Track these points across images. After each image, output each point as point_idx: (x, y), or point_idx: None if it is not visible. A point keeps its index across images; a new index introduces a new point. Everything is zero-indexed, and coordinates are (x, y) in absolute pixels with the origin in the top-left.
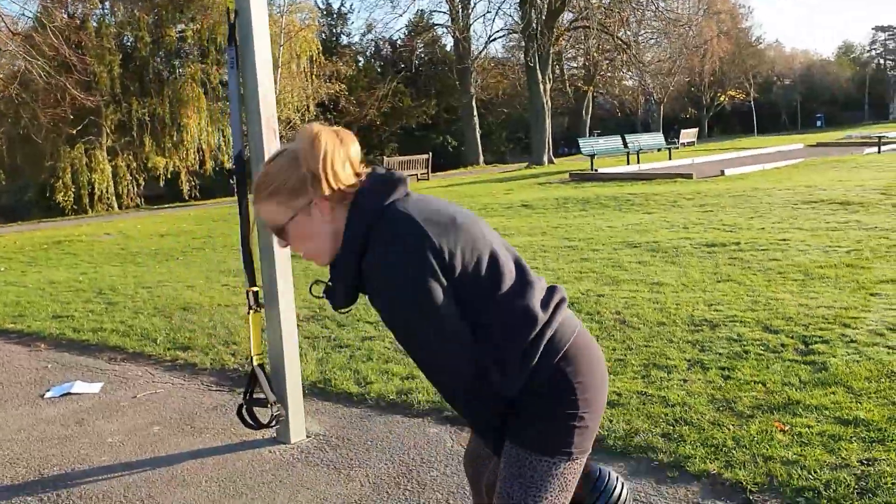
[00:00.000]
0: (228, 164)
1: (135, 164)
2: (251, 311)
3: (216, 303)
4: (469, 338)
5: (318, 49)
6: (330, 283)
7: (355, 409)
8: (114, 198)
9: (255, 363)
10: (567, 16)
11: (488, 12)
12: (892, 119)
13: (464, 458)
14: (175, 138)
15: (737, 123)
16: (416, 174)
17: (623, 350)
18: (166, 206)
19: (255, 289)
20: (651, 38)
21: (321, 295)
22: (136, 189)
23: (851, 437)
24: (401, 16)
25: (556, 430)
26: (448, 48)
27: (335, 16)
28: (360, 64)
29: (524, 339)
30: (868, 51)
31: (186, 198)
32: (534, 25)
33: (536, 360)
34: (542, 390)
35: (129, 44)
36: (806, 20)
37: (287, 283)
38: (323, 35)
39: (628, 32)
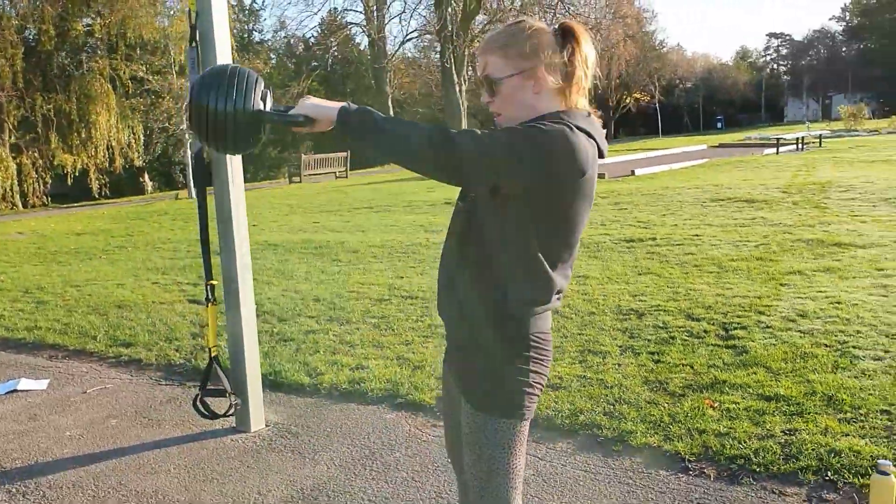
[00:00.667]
0: (139, 162)
1: (41, 162)
2: (209, 304)
3: (150, 300)
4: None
5: (232, 46)
6: None
7: (309, 398)
8: (18, 196)
9: (212, 354)
10: (481, 18)
11: (404, 13)
12: (786, 121)
13: (446, 445)
14: (83, 135)
15: (641, 125)
16: (335, 172)
17: (559, 338)
18: (75, 204)
19: (213, 282)
20: None
21: None
22: (42, 187)
23: (774, 411)
24: (315, 13)
25: (514, 395)
26: (362, 47)
27: (247, 12)
28: (274, 62)
29: (536, 303)
30: (763, 56)
31: (96, 196)
32: (449, 27)
33: (527, 321)
34: (511, 348)
35: (31, 37)
36: (705, 25)
37: (247, 275)
38: (234, 31)
39: None
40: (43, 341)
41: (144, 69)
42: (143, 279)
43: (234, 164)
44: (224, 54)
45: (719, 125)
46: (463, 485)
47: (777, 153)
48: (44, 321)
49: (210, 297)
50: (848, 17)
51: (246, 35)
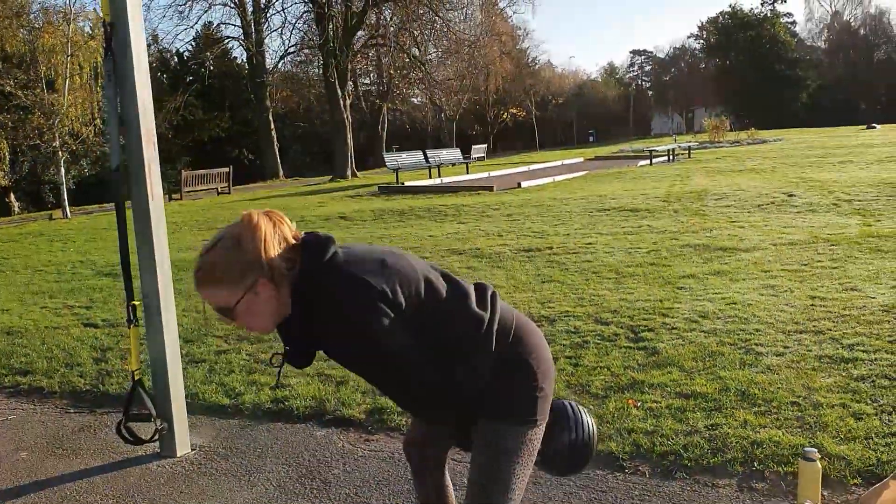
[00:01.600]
0: (4, 182)
1: None
2: (132, 326)
3: (41, 325)
4: (429, 356)
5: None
6: (287, 348)
7: (232, 420)
8: None
9: (135, 378)
10: (361, 33)
11: (283, 27)
12: (653, 134)
13: (405, 446)
14: None
15: (517, 139)
16: (217, 188)
17: None
18: None
19: (135, 303)
20: (440, 58)
21: (279, 364)
22: None
23: (694, 407)
24: (191, 27)
25: (523, 403)
26: (239, 61)
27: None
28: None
29: (478, 337)
30: (628, 72)
31: None
32: (331, 42)
33: (493, 349)
34: (503, 374)
35: None
36: (573, 42)
37: (169, 295)
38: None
39: (419, 51)
40: None
41: (12, 84)
42: (30, 304)
43: (153, 180)
44: (142, 64)
45: (591, 138)
46: (420, 476)
47: (651, 164)
48: None
49: (132, 318)
50: (706, 35)
51: None
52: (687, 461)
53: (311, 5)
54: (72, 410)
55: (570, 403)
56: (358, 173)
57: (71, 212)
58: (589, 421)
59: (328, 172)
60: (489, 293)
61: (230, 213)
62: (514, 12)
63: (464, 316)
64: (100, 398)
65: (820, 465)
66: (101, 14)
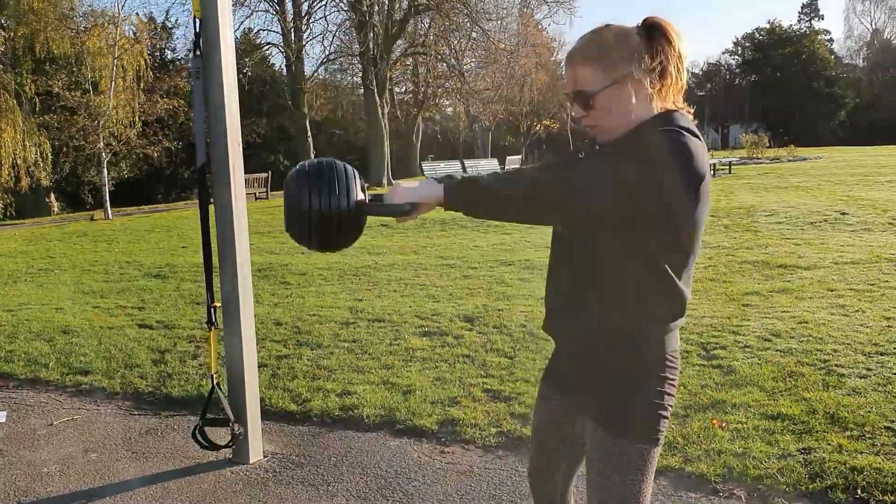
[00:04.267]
0: (46, 182)
1: None
2: (212, 328)
3: (96, 325)
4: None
5: (145, 64)
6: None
7: (301, 427)
8: None
9: (214, 381)
10: (400, 42)
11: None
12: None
13: (529, 478)
14: None
15: (549, 152)
16: (255, 193)
17: (543, 359)
18: None
19: (216, 304)
20: (477, 67)
21: None
22: None
23: (782, 430)
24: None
25: (650, 418)
26: (277, 67)
27: (159, 30)
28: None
29: (670, 318)
30: None
31: (1, 216)
32: (372, 50)
33: (661, 339)
34: (648, 368)
35: None
36: None
37: (248, 298)
38: (148, 49)
39: (457, 60)
40: None
41: (59, 84)
42: (82, 303)
43: (237, 181)
44: (229, 64)
45: None
46: None
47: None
48: None
49: (213, 320)
50: (741, 51)
51: (157, 53)
52: (784, 486)
53: (352, 13)
54: (136, 412)
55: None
56: (393, 181)
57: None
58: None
59: (363, 180)
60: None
61: (270, 218)
62: (553, 23)
63: (681, 282)
64: (163, 400)
65: None
66: (143, 18)
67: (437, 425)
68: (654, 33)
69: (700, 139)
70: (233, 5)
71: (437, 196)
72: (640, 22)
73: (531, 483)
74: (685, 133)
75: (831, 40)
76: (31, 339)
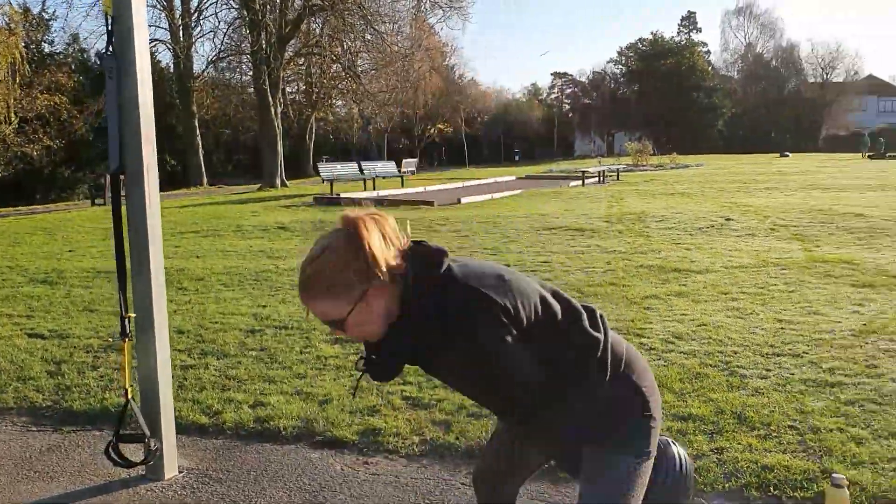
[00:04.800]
0: None
1: None
2: (126, 340)
3: None
4: (542, 375)
5: (20, 56)
6: (375, 357)
7: (215, 440)
8: None
9: (128, 395)
10: (294, 41)
11: (214, 32)
12: (576, 156)
13: (475, 477)
14: None
15: (443, 155)
16: None
17: None
18: None
19: (132, 315)
20: (372, 69)
21: (362, 370)
22: None
23: (694, 430)
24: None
25: (639, 433)
26: (164, 64)
27: (35, 22)
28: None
29: (591, 362)
30: (550, 94)
31: None
32: (265, 49)
33: (608, 374)
34: (619, 402)
35: None
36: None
37: (162, 309)
38: (24, 42)
39: (351, 61)
40: None
41: None
42: None
43: (151, 185)
44: (144, 60)
45: (517, 157)
46: None
47: (584, 185)
48: None
49: (127, 331)
50: (625, 61)
51: (35, 46)
52: (702, 486)
53: (244, 11)
54: (34, 428)
55: (661, 440)
56: (287, 182)
57: None
58: (679, 454)
59: (252, 180)
60: (598, 314)
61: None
62: (445, 27)
63: (579, 336)
64: (63, 415)
65: (847, 493)
66: (17, 7)
67: (358, 436)
68: (353, 238)
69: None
70: None
71: None
72: (339, 221)
73: (478, 487)
74: (456, 289)
75: (709, 52)
76: None
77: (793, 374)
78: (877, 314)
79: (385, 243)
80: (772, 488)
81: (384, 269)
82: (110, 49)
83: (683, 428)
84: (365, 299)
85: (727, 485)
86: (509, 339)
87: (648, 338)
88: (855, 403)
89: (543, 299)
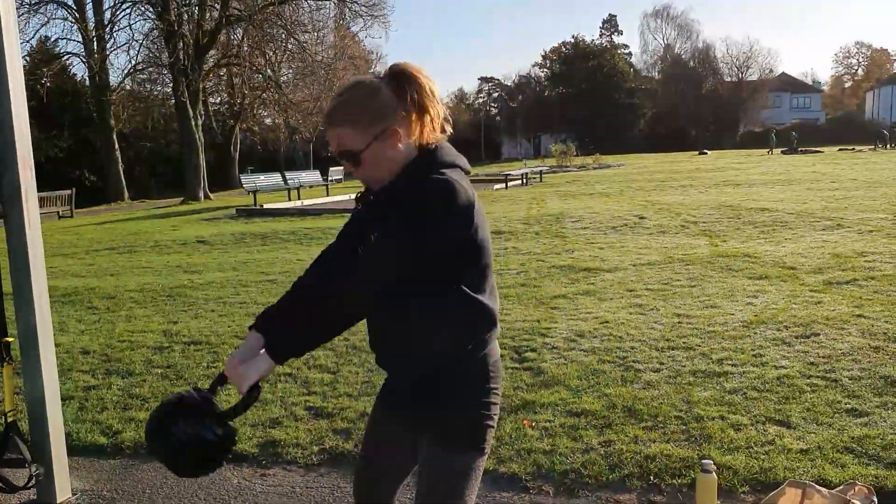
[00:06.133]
0: None
1: None
2: (5, 363)
3: None
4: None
5: None
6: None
7: (112, 460)
8: None
9: (8, 420)
10: (213, 52)
11: (129, 44)
12: (503, 159)
13: (356, 486)
14: None
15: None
16: (58, 211)
17: (366, 372)
18: None
19: (7, 339)
20: (295, 79)
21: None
22: None
23: (586, 425)
24: (27, 41)
25: (476, 428)
26: (79, 77)
27: None
28: None
29: (482, 331)
30: (477, 98)
31: None
32: (183, 61)
33: (480, 353)
34: (471, 382)
35: None
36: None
37: (47, 329)
38: None
39: (273, 71)
40: None
41: None
42: None
43: (31, 205)
44: (17, 76)
45: None
46: None
47: (506, 188)
48: None
49: (5, 355)
50: (549, 64)
51: None
52: (587, 479)
53: (160, 22)
54: None
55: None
56: (211, 195)
57: None
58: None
59: (176, 194)
60: (494, 332)
61: (75, 238)
62: (368, 36)
63: (489, 305)
64: None
65: (716, 477)
66: None
67: (258, 448)
68: (401, 80)
69: (461, 166)
70: (27, 12)
71: (268, 365)
72: (388, 70)
73: (357, 497)
74: (443, 174)
75: (630, 54)
76: None
77: (684, 366)
78: (767, 305)
79: (436, 104)
80: (652, 477)
81: (412, 114)
82: None
83: (576, 423)
84: (383, 136)
85: (611, 476)
86: (443, 233)
87: (552, 337)
88: (738, 392)
89: (488, 253)
